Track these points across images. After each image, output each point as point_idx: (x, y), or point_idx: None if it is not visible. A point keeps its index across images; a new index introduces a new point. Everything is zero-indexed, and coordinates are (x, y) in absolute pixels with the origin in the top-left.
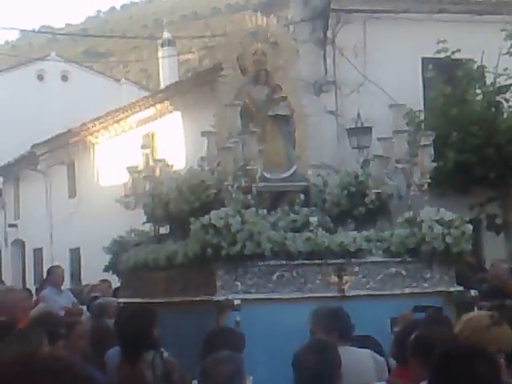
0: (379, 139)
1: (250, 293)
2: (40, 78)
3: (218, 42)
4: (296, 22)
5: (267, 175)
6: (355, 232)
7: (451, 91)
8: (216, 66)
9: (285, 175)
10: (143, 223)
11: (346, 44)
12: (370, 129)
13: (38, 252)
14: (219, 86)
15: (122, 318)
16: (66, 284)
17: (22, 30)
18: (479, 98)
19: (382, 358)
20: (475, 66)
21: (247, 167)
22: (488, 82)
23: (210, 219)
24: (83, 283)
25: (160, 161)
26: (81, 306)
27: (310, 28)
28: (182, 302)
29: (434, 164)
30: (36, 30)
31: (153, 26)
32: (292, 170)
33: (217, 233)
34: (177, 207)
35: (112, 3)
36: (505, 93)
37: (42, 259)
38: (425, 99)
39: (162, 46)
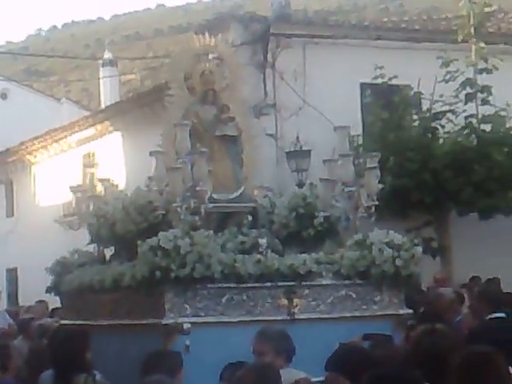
0: (324, 161)
1: (200, 316)
2: None
3: (161, 63)
4: (236, 45)
5: (215, 196)
6: (305, 254)
7: (388, 116)
8: (157, 86)
9: (232, 196)
10: (87, 244)
11: (285, 68)
12: (308, 152)
13: None
14: (166, 105)
15: (55, 340)
16: (3, 305)
17: None
18: (416, 123)
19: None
20: (412, 92)
21: (196, 188)
22: (424, 108)
23: (159, 241)
24: (20, 304)
25: (105, 180)
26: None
27: (251, 51)
28: (129, 325)
29: (381, 186)
30: None
31: (95, 45)
32: (240, 191)
33: (165, 255)
34: (123, 228)
35: (53, 22)
36: (440, 119)
37: None
38: (363, 124)
39: (104, 65)
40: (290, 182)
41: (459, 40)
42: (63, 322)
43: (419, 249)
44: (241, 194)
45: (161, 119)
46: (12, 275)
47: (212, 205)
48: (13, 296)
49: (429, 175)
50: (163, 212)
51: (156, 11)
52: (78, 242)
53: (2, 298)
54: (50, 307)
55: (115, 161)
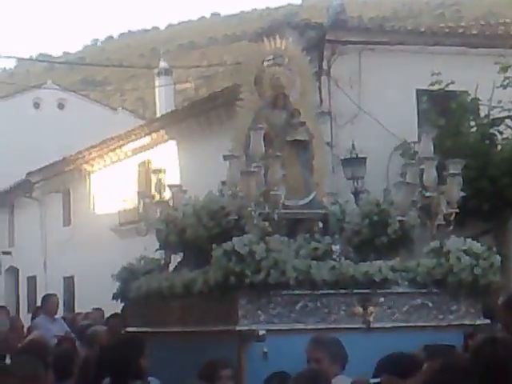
0: (405, 165)
1: (273, 323)
2: (36, 105)
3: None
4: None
5: (286, 202)
6: (380, 261)
7: (445, 123)
8: (212, 95)
9: (303, 202)
10: (156, 250)
11: (340, 75)
12: (364, 159)
13: (31, 280)
14: (237, 109)
15: (110, 347)
16: (60, 312)
17: (19, 58)
18: (473, 130)
19: None
20: (469, 99)
21: (270, 193)
22: (482, 114)
23: (234, 246)
24: (77, 311)
25: (173, 186)
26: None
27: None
28: (200, 332)
29: (462, 193)
30: (33, 57)
31: (150, 55)
32: (310, 197)
33: (240, 260)
34: (194, 233)
35: (109, 32)
36: (498, 125)
37: (35, 287)
38: (419, 130)
39: (159, 75)
40: (346, 189)
41: None
42: (129, 329)
43: (498, 257)
44: (311, 200)
45: (215, 128)
46: (69, 283)
47: (283, 211)
48: (69, 304)
49: (487, 182)
50: (236, 217)
51: (210, 20)
52: (134, 250)
53: (58, 306)
54: (108, 314)
55: (170, 169)
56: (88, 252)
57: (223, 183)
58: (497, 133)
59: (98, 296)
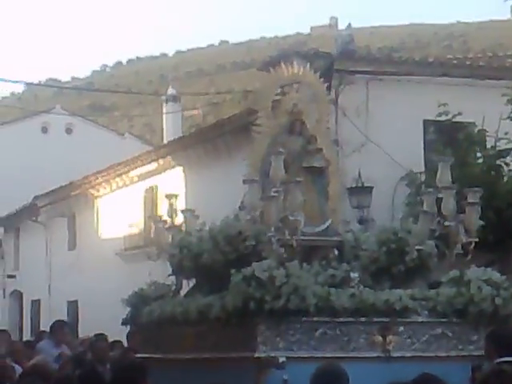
0: (423, 193)
1: (292, 350)
2: (44, 130)
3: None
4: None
5: (303, 229)
6: (400, 290)
7: (452, 154)
8: (219, 122)
9: (319, 229)
10: (168, 275)
11: (348, 104)
12: (370, 189)
13: (35, 303)
14: (253, 135)
15: (112, 372)
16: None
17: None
18: (480, 161)
19: None
20: (476, 130)
21: (290, 218)
22: (488, 145)
23: (253, 271)
24: (80, 336)
25: (186, 211)
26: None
27: None
28: (215, 359)
29: (481, 222)
30: (42, 82)
31: (158, 81)
32: (326, 224)
33: (260, 286)
34: (210, 259)
35: (118, 58)
36: (505, 157)
37: (39, 311)
38: (425, 161)
39: (167, 101)
40: (352, 218)
41: None
42: (140, 355)
43: None
44: (327, 227)
45: (222, 155)
46: (73, 307)
47: (302, 237)
48: (73, 328)
49: (492, 213)
50: (253, 243)
51: (219, 47)
52: (139, 275)
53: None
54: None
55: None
56: (92, 276)
57: (240, 208)
58: (503, 164)
59: (102, 321)
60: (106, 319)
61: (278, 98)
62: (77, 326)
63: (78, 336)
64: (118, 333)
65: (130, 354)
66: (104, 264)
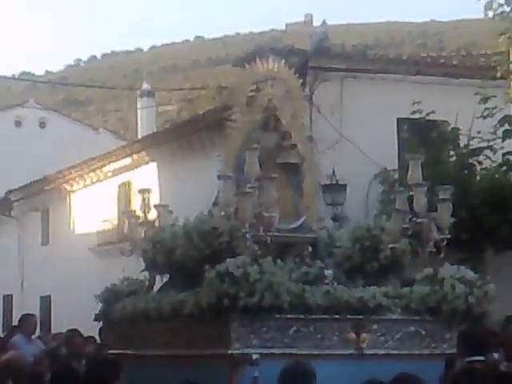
0: (396, 191)
1: (266, 347)
2: (18, 124)
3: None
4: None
5: (277, 225)
6: (374, 287)
7: (425, 152)
8: (193, 118)
9: (293, 226)
10: (141, 271)
11: (323, 101)
12: (344, 186)
13: (7, 298)
14: (228, 130)
15: (87, 369)
16: (36, 332)
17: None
18: (452, 159)
19: None
20: (449, 128)
21: (265, 214)
22: (461, 144)
23: (227, 267)
24: (53, 331)
25: (160, 206)
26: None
27: None
28: (188, 355)
29: (453, 219)
30: (15, 76)
31: (133, 76)
32: (300, 221)
33: (234, 282)
34: (184, 254)
35: (92, 52)
36: (478, 155)
37: (11, 306)
38: (399, 159)
39: (141, 96)
40: (325, 215)
41: (498, 76)
42: (112, 351)
43: (492, 286)
44: (301, 224)
45: (196, 150)
46: (45, 302)
47: (276, 234)
48: (45, 323)
49: (465, 212)
50: (228, 239)
51: (194, 43)
52: (112, 270)
53: (37, 327)
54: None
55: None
56: (66, 272)
57: (215, 204)
58: (476, 163)
59: (75, 316)
60: (78, 314)
61: (252, 93)
62: (49, 322)
63: (50, 331)
64: (91, 328)
65: (103, 349)
66: (77, 259)
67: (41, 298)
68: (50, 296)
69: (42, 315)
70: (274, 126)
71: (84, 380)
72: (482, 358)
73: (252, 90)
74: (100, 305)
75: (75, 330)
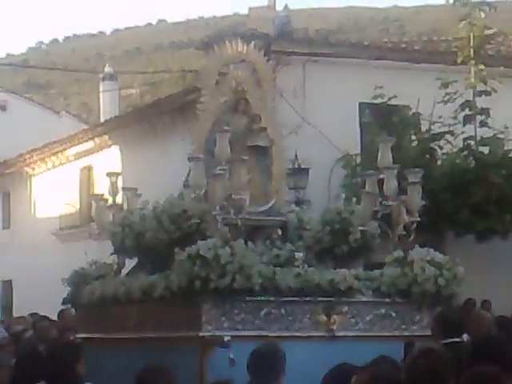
0: (366, 175)
1: (237, 329)
2: None
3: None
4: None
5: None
6: (345, 270)
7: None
8: (156, 101)
9: (263, 209)
10: (111, 254)
11: (285, 85)
12: (307, 170)
13: None
14: (197, 113)
15: (48, 352)
16: None
17: None
18: (414, 144)
19: None
20: (411, 113)
21: (236, 197)
22: (423, 128)
23: (198, 250)
24: (15, 316)
25: (128, 189)
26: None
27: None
28: (159, 338)
29: (423, 202)
30: None
31: (95, 59)
32: (270, 204)
33: (205, 264)
34: (154, 237)
35: (55, 35)
36: (439, 140)
37: None
38: (361, 143)
39: (104, 80)
40: (288, 199)
41: (459, 62)
42: (80, 335)
43: (461, 268)
44: (271, 207)
45: (159, 134)
46: (6, 287)
47: (246, 216)
48: (7, 308)
49: (426, 196)
50: (198, 221)
51: (157, 27)
52: (74, 254)
53: None
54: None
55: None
56: (27, 256)
57: (185, 186)
58: (437, 148)
59: (37, 300)
60: (41, 299)
61: (221, 76)
62: (11, 306)
63: (12, 315)
64: (53, 312)
65: (68, 333)
66: (39, 243)
67: (2, 282)
68: (11, 280)
69: (4, 300)
70: (244, 109)
71: (45, 363)
72: (458, 339)
73: (221, 73)
74: (64, 288)
75: (35, 314)
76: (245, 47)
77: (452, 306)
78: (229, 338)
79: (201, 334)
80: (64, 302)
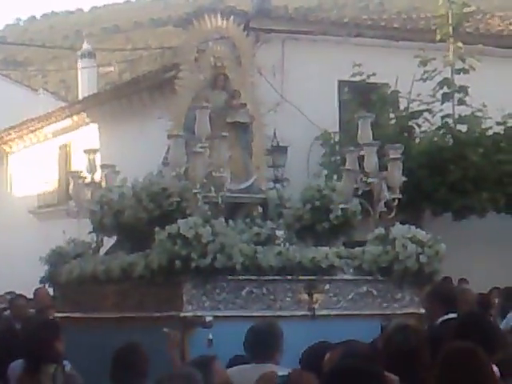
0: (346, 151)
1: (218, 309)
2: None
3: (139, 56)
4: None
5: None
6: (326, 248)
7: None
8: (135, 79)
9: (243, 186)
10: (89, 232)
11: (264, 63)
12: (285, 148)
13: None
14: (176, 88)
15: (25, 331)
16: None
17: None
18: (392, 122)
19: None
20: (389, 91)
21: (216, 174)
22: (401, 106)
23: (179, 229)
24: None
25: (107, 167)
26: None
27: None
28: (139, 318)
29: (404, 178)
30: None
31: (73, 37)
32: (250, 181)
33: (186, 243)
34: (132, 216)
35: (32, 12)
36: (417, 118)
37: None
38: (340, 121)
39: (82, 57)
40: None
41: (437, 39)
42: (58, 314)
43: (443, 246)
44: (251, 184)
45: (137, 111)
46: None
47: (227, 194)
48: None
49: (404, 174)
50: (178, 199)
51: (135, 4)
52: (53, 233)
53: None
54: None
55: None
56: (4, 234)
57: (164, 164)
58: (415, 126)
59: (14, 279)
60: (18, 277)
61: (201, 52)
62: None
63: None
64: (30, 291)
65: (45, 311)
66: (16, 222)
67: None
68: None
69: None
70: (223, 85)
71: (23, 342)
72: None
73: (200, 49)
74: (41, 267)
75: (12, 292)
76: (224, 22)
77: (442, 283)
78: (211, 318)
79: (182, 315)
80: (42, 281)
